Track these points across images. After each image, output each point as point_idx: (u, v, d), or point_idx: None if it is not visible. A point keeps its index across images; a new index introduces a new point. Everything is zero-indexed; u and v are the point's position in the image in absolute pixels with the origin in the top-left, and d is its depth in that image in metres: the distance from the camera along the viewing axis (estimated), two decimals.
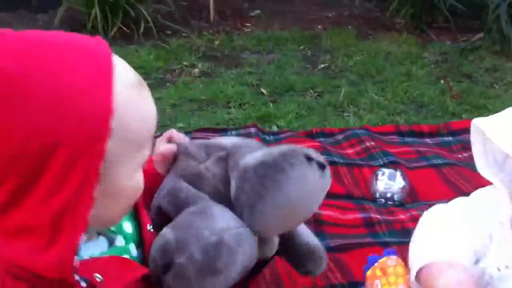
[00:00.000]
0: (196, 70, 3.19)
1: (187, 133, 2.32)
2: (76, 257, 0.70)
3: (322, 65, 3.27)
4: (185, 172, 1.06)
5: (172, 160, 1.10)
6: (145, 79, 2.68)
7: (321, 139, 2.26)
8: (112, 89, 0.69)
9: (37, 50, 0.68)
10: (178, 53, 3.42)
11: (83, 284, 0.72)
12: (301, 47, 3.58)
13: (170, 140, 1.13)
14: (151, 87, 2.73)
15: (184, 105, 2.70)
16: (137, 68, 2.86)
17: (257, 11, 4.43)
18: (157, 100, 2.67)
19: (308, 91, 2.86)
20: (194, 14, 4.30)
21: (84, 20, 3.74)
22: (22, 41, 0.68)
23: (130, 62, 2.86)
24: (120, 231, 0.86)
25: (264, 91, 2.87)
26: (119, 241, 0.85)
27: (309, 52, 3.53)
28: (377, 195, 1.85)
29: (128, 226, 0.88)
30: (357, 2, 4.61)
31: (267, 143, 2.23)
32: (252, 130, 2.29)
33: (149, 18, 3.66)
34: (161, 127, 2.45)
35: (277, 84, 2.94)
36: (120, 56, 3.02)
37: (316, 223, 1.66)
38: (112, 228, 0.85)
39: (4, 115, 0.64)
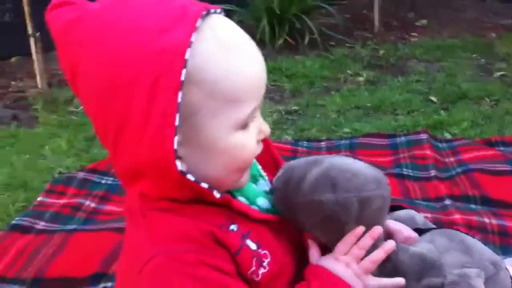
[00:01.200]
0: (361, 79, 3.15)
1: (352, 137, 2.31)
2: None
3: (498, 73, 3.05)
4: None
5: None
6: (309, 87, 2.75)
7: (501, 148, 2.09)
8: (191, 31, 0.69)
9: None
10: (343, 62, 3.41)
11: (217, 195, 0.74)
12: (474, 55, 3.38)
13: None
14: (316, 95, 2.81)
15: (349, 111, 2.68)
16: (301, 76, 2.94)
17: (424, 21, 4.27)
18: (321, 107, 2.76)
19: (484, 99, 2.68)
20: (358, 25, 4.27)
21: (253, 32, 3.89)
22: None
23: (295, 71, 2.94)
24: (253, 203, 0.84)
25: (433, 99, 2.75)
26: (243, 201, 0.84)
27: (483, 60, 3.31)
28: None
29: (263, 202, 0.85)
30: None
31: (439, 150, 2.11)
32: (423, 136, 2.19)
33: (314, 30, 3.70)
34: (326, 132, 2.46)
35: (448, 92, 2.79)
36: (285, 66, 3.12)
37: (502, 236, 1.52)
38: (242, 199, 0.83)
39: (92, 56, 0.70)
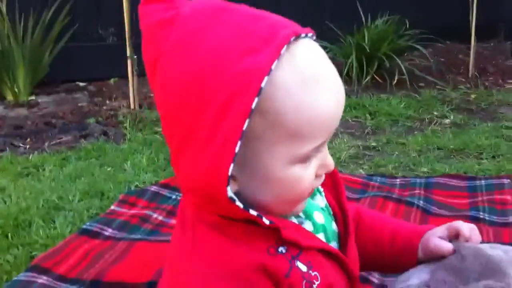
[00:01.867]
0: (447, 121, 3.05)
1: (429, 177, 2.23)
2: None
3: None
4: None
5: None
6: (392, 125, 2.70)
7: None
8: (274, 58, 0.66)
9: (225, 12, 0.71)
10: (430, 103, 3.33)
11: (266, 222, 0.72)
12: None
13: (453, 234, 0.92)
14: (397, 133, 2.75)
15: (430, 152, 2.59)
16: (385, 114, 2.90)
17: None
18: (401, 145, 2.70)
19: None
20: (452, 69, 4.17)
21: (340, 68, 3.90)
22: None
23: (379, 109, 2.91)
24: (309, 217, 0.82)
25: None
26: (308, 226, 0.82)
27: None
28: None
29: (319, 216, 0.83)
30: None
31: None
32: (505, 181, 2.08)
33: (404, 70, 3.65)
34: (403, 170, 2.39)
35: None
36: (369, 103, 3.09)
37: None
38: (300, 214, 0.82)
39: (176, 59, 0.69)
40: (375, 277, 1.50)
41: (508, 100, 3.35)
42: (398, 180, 2.22)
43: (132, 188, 2.20)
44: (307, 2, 4.44)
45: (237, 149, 0.68)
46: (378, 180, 2.22)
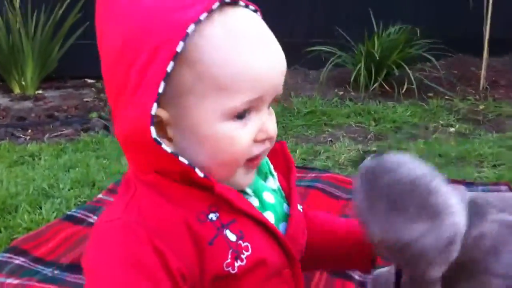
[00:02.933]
0: (452, 130, 3.00)
1: None
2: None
3: None
4: None
5: None
6: (396, 132, 2.67)
7: None
8: (204, 10, 0.69)
9: None
10: (436, 112, 3.28)
11: (200, 174, 0.71)
12: None
13: None
14: (401, 140, 2.71)
15: (431, 158, 2.54)
16: (389, 121, 2.87)
17: None
18: (403, 151, 2.66)
19: None
20: (462, 81, 4.11)
21: (349, 76, 3.87)
22: None
23: (384, 116, 2.88)
24: (258, 195, 0.80)
25: None
26: (253, 201, 0.79)
27: None
28: None
29: (269, 196, 0.81)
30: None
31: None
32: (502, 187, 2.03)
33: (413, 80, 3.61)
34: None
35: None
36: (374, 109, 3.06)
37: None
38: (248, 190, 0.79)
39: (113, 18, 0.72)
40: (356, 273, 1.46)
41: None
42: None
43: None
44: (320, 9, 4.42)
45: (160, 89, 0.69)
46: None
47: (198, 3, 0.70)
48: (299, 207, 0.86)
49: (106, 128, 2.96)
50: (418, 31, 3.86)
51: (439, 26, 4.16)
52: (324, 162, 2.50)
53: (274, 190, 0.84)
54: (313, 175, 2.18)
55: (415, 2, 4.49)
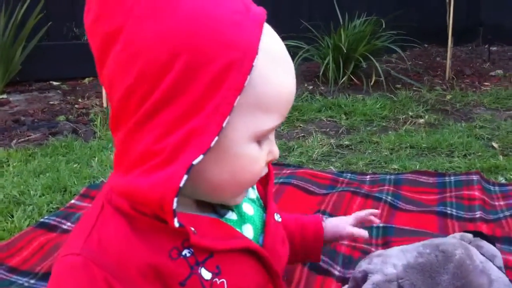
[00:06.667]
0: (422, 121, 3.04)
1: (399, 173, 2.20)
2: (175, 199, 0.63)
3: None
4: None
5: None
6: (367, 125, 2.70)
7: None
8: (260, 35, 0.65)
9: None
10: (405, 104, 3.31)
11: (177, 224, 0.65)
12: None
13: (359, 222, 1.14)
14: (372, 132, 2.75)
15: (402, 150, 2.57)
16: (360, 114, 2.90)
17: (499, 71, 4.10)
18: (374, 144, 2.69)
19: None
20: (429, 71, 4.17)
21: (317, 69, 3.88)
22: None
23: (354, 109, 2.91)
24: (237, 208, 0.78)
25: (495, 145, 2.59)
26: (231, 215, 0.77)
27: None
28: None
29: (248, 208, 0.80)
30: None
31: (490, 193, 1.97)
32: (474, 177, 2.06)
33: (381, 72, 3.64)
34: (376, 168, 2.37)
35: None
36: (345, 103, 3.10)
37: None
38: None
39: (155, 22, 0.62)
40: (336, 270, 1.47)
41: (483, 101, 3.35)
42: (368, 176, 2.19)
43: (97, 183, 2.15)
44: (285, 1, 4.42)
45: (224, 123, 0.64)
46: (348, 176, 2.19)
47: (246, 17, 0.65)
48: (277, 216, 0.85)
49: (74, 131, 2.90)
50: (384, 23, 3.90)
51: (403, 17, 4.21)
52: (298, 157, 2.50)
53: (253, 200, 0.83)
54: (288, 171, 2.18)
55: None
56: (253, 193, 0.84)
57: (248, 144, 0.69)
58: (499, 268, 1.03)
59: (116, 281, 0.65)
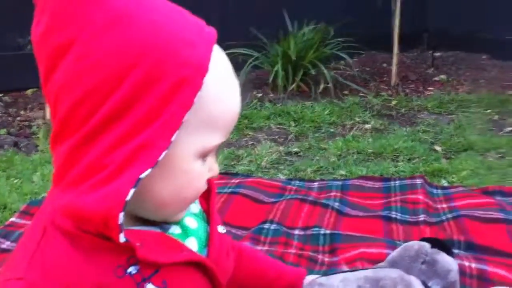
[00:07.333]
0: (368, 126, 3.09)
1: (346, 179, 2.23)
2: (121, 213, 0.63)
3: (510, 128, 2.95)
4: None
5: None
6: (315, 131, 2.72)
7: (498, 197, 1.98)
8: (210, 55, 0.66)
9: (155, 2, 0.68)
10: (352, 110, 3.36)
11: (122, 239, 0.64)
12: (488, 111, 3.29)
13: None
14: (320, 139, 2.77)
15: (349, 156, 2.60)
16: (309, 121, 2.92)
17: (443, 76, 4.22)
18: (322, 150, 2.71)
19: (490, 152, 2.57)
20: (375, 77, 4.25)
21: (266, 76, 3.89)
22: None
23: (303, 116, 2.92)
24: (179, 223, 0.78)
25: (438, 148, 2.66)
26: (174, 229, 0.77)
27: (496, 116, 3.22)
28: None
29: (191, 221, 0.80)
30: None
31: (433, 196, 2.01)
32: (418, 181, 2.10)
33: (329, 79, 3.68)
34: (324, 174, 2.39)
35: (454, 143, 2.71)
36: (294, 110, 3.12)
37: (481, 280, 1.41)
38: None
39: (109, 38, 0.62)
40: None
41: (426, 106, 3.43)
42: (316, 183, 2.21)
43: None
44: (233, 9, 4.43)
45: (173, 138, 0.64)
46: (296, 184, 2.20)
47: (199, 38, 0.67)
48: (220, 228, 0.84)
49: (16, 145, 2.81)
50: (332, 30, 3.95)
51: (351, 24, 4.28)
52: (247, 166, 2.50)
53: (196, 214, 0.82)
54: (237, 181, 2.17)
55: (327, 1, 4.59)
56: (195, 208, 0.83)
57: (194, 161, 0.70)
58: (452, 283, 1.03)
59: None
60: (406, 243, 1.10)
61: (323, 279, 0.99)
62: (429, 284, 1.00)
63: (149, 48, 0.62)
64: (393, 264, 1.05)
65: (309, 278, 1.03)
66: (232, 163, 2.55)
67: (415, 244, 1.07)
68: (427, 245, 1.05)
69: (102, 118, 0.63)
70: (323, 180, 2.26)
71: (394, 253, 1.08)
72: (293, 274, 1.04)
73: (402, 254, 1.06)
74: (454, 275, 1.04)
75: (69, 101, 0.64)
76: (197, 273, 0.75)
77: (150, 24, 0.63)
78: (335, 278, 0.98)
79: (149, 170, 0.63)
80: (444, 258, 1.04)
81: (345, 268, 1.50)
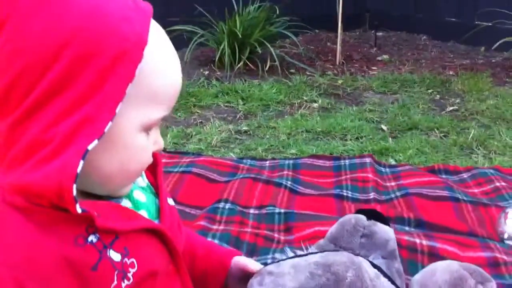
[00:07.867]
0: (316, 105, 3.13)
1: (297, 158, 2.26)
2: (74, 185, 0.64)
3: (451, 108, 3.06)
4: None
5: None
6: (264, 110, 2.72)
7: (444, 176, 2.06)
8: (148, 28, 0.68)
9: None
10: (300, 89, 3.39)
11: (79, 210, 0.65)
12: (430, 91, 3.40)
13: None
14: (269, 117, 2.78)
15: (299, 134, 2.64)
16: (257, 99, 2.91)
17: (385, 56, 4.31)
18: (272, 129, 2.72)
19: (433, 131, 2.67)
20: (321, 56, 4.29)
21: (213, 54, 3.87)
22: None
23: (251, 94, 2.92)
24: (129, 196, 0.79)
25: (384, 127, 2.73)
26: (125, 203, 0.78)
27: (438, 96, 3.33)
28: (505, 236, 1.61)
29: (139, 194, 0.80)
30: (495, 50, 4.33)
31: (382, 174, 2.08)
32: (367, 160, 2.16)
33: (275, 57, 3.69)
34: (275, 153, 2.41)
35: (399, 122, 2.79)
36: (241, 88, 3.09)
37: (431, 257, 1.47)
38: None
39: (42, 16, 0.63)
40: None
41: (371, 86, 3.50)
42: (267, 162, 2.23)
43: None
44: None
45: (117, 109, 0.66)
46: (248, 162, 2.21)
47: (136, 13, 0.68)
48: (170, 200, 0.86)
49: None
50: (277, 9, 3.96)
51: (296, 3, 4.30)
52: (197, 145, 2.49)
53: (144, 188, 0.83)
54: (188, 159, 2.16)
55: None
56: (142, 182, 0.84)
57: (137, 134, 0.71)
58: (392, 251, 1.06)
59: (29, 280, 0.64)
60: (342, 218, 1.10)
61: (272, 267, 0.96)
62: (371, 257, 1.02)
63: (84, 25, 0.63)
64: (333, 240, 1.06)
65: (240, 259, 1.00)
66: (182, 141, 2.53)
67: (351, 218, 1.08)
68: (363, 218, 1.07)
69: (40, 94, 0.64)
70: (275, 159, 2.28)
71: (332, 229, 1.08)
72: (222, 252, 1.03)
73: (340, 229, 1.06)
74: (393, 244, 1.06)
75: (4, 81, 0.65)
76: (154, 240, 0.77)
77: (85, 2, 0.65)
78: (285, 265, 0.96)
79: (96, 141, 0.64)
80: (381, 229, 1.06)
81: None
